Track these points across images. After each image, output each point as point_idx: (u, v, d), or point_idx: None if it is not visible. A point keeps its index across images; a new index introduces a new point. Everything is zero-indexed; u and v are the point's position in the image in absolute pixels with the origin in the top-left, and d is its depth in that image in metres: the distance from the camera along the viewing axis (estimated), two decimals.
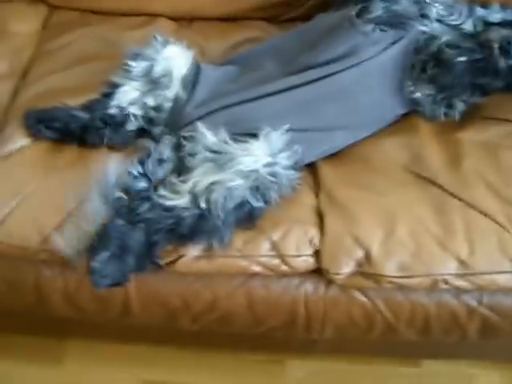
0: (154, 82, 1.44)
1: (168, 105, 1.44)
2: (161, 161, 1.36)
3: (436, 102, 1.48)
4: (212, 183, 1.28)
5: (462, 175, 1.40)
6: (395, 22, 1.46)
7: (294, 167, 1.34)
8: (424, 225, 1.33)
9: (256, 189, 1.28)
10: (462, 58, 1.43)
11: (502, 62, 1.44)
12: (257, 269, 1.34)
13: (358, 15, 1.47)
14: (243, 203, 1.28)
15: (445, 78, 1.44)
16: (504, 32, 1.47)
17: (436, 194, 1.38)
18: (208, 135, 1.32)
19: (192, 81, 1.45)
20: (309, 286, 1.38)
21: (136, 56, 1.44)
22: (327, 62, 1.44)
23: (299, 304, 1.39)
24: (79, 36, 1.71)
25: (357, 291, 1.38)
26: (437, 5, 1.52)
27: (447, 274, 1.32)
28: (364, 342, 1.58)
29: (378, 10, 1.46)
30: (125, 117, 1.45)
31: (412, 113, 1.52)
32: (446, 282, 1.32)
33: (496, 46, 1.44)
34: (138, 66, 1.43)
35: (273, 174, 1.30)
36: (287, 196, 1.35)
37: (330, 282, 1.36)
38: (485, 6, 1.58)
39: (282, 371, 1.73)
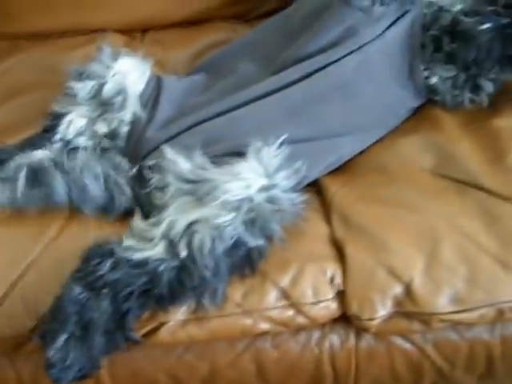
0: (105, 104, 1.13)
1: (125, 129, 1.13)
2: None
3: (458, 87, 1.18)
4: (192, 222, 0.96)
5: (509, 172, 1.09)
6: None
7: (297, 189, 1.01)
8: (475, 241, 1.02)
9: (252, 222, 0.96)
10: (486, 26, 1.13)
11: None
12: (265, 326, 1.02)
13: None
14: (237, 243, 0.95)
15: (468, 53, 1.14)
16: None
17: (481, 199, 1.07)
18: (179, 161, 1.00)
19: (152, 97, 1.15)
20: (334, 339, 1.06)
21: (80, 75, 1.14)
22: (320, 51, 1.15)
23: (324, 363, 1.07)
24: (13, 65, 1.47)
25: (398, 337, 1.05)
26: None
27: None
28: None
29: None
30: (74, 152, 1.12)
31: (429, 103, 1.22)
32: None
33: None
34: (83, 88, 1.13)
35: (272, 201, 0.98)
36: (291, 227, 1.01)
37: (361, 331, 1.03)
38: None
39: None
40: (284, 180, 1.00)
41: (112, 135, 1.13)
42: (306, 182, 1.09)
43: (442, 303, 0.99)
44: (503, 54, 1.14)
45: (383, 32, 1.15)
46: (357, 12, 1.15)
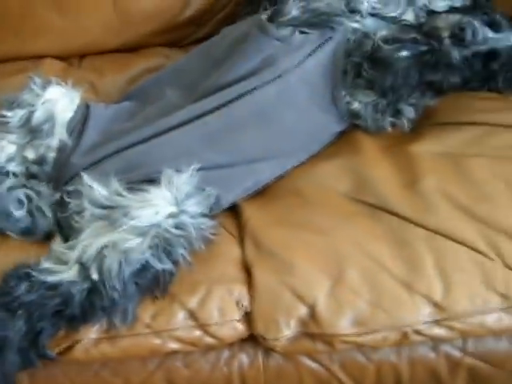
0: (33, 131, 1.17)
1: (52, 155, 1.17)
2: None
3: (379, 111, 1.21)
4: (103, 247, 1.00)
5: (421, 197, 1.12)
6: (318, 21, 1.20)
7: (207, 214, 1.05)
8: (381, 264, 1.05)
9: (158, 247, 1.00)
10: (404, 53, 1.16)
11: (456, 54, 1.18)
12: (174, 346, 1.05)
13: (270, 19, 1.21)
14: (145, 267, 0.99)
15: (385, 79, 1.17)
16: (452, 18, 1.22)
17: (392, 224, 1.10)
18: (96, 187, 1.04)
19: (79, 124, 1.19)
20: (243, 359, 1.09)
21: (11, 104, 1.18)
22: (239, 80, 1.18)
23: (234, 382, 1.10)
24: None
25: (305, 357, 1.08)
26: None
27: (419, 323, 1.03)
28: None
29: (293, 11, 1.20)
30: (2, 177, 1.16)
31: (353, 128, 1.24)
32: (419, 333, 1.04)
33: (446, 34, 1.18)
34: (14, 116, 1.17)
35: (179, 227, 1.01)
36: (202, 251, 1.05)
37: (269, 350, 1.06)
38: None
39: None
40: (193, 206, 1.04)
41: (40, 161, 1.17)
42: (223, 206, 1.12)
43: (344, 325, 1.02)
44: (421, 80, 1.17)
45: (304, 60, 1.18)
46: (275, 41, 1.18)
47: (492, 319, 1.04)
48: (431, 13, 1.32)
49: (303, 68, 1.18)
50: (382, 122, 1.22)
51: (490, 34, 1.23)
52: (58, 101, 1.19)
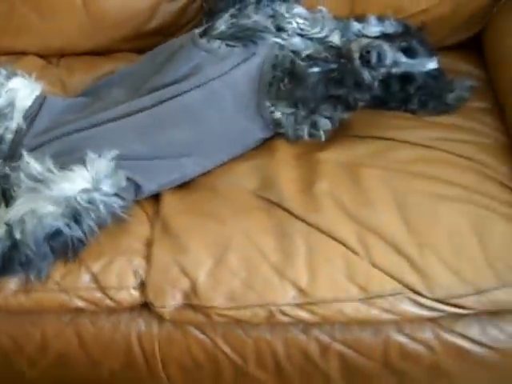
0: None
1: (9, 136, 1.37)
2: None
3: (298, 122, 1.36)
4: (26, 212, 1.20)
5: (312, 198, 1.27)
6: (242, 36, 1.37)
7: (119, 195, 1.23)
8: (260, 251, 1.20)
9: (69, 216, 1.19)
10: (315, 69, 1.32)
11: (366, 74, 1.32)
12: (79, 304, 1.24)
13: (203, 34, 1.39)
14: (58, 232, 1.19)
15: (297, 91, 1.33)
16: (364, 41, 1.36)
17: (281, 218, 1.25)
18: (32, 164, 1.24)
19: (35, 112, 1.39)
20: (141, 323, 1.27)
21: None
22: (169, 84, 1.35)
23: (133, 343, 1.27)
24: None
25: (192, 327, 1.24)
26: (298, 19, 1.42)
27: (284, 304, 1.18)
28: None
29: (222, 26, 1.38)
30: None
31: (277, 136, 1.40)
32: (284, 313, 1.18)
33: (356, 56, 1.32)
34: None
35: (90, 201, 1.20)
36: (113, 226, 1.24)
37: (162, 318, 1.23)
38: (361, 19, 1.48)
39: None
40: (106, 186, 1.23)
41: None
42: (146, 193, 1.31)
43: (219, 300, 1.18)
44: (327, 94, 1.32)
45: (230, 70, 1.34)
46: (203, 52, 1.36)
47: (350, 308, 1.17)
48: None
49: (229, 77, 1.34)
50: (301, 132, 1.36)
51: (404, 58, 1.36)
52: (20, 90, 1.39)
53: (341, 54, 1.35)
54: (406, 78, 1.38)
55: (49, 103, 1.41)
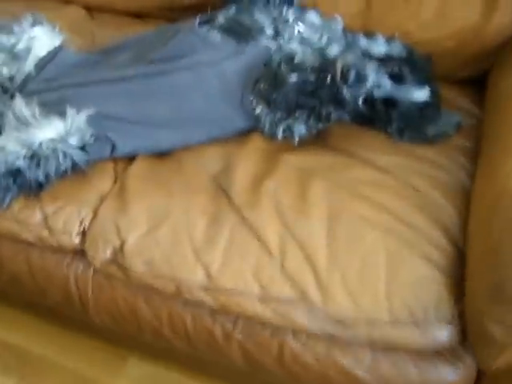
0: (14, 56, 1.53)
1: (20, 77, 1.53)
2: None
3: (275, 122, 1.43)
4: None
5: (256, 194, 1.33)
6: (237, 31, 1.45)
7: (85, 149, 1.37)
8: (189, 231, 1.30)
9: (31, 159, 1.33)
10: (293, 77, 1.38)
11: (344, 91, 1.36)
12: (28, 236, 1.39)
13: (203, 23, 1.48)
14: (21, 171, 1.34)
15: (273, 94, 1.39)
16: (350, 59, 1.39)
17: (221, 206, 1.33)
18: (20, 107, 1.39)
19: (46, 61, 1.53)
20: (79, 266, 1.40)
21: (2, 29, 1.55)
22: (164, 60, 1.46)
23: (71, 282, 1.41)
24: None
25: (118, 281, 1.36)
26: (301, 25, 1.48)
27: (192, 284, 1.27)
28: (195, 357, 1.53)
29: (222, 19, 1.46)
30: None
31: (257, 129, 1.47)
32: (191, 293, 1.28)
33: (338, 71, 1.36)
34: (1, 38, 1.55)
35: (53, 150, 1.34)
36: (82, 177, 1.38)
37: (92, 265, 1.37)
38: (369, 36, 1.51)
39: (123, 367, 1.72)
40: (74, 140, 1.35)
41: (11, 79, 1.54)
42: (119, 153, 1.43)
43: (138, 263, 1.30)
44: (298, 103, 1.38)
45: (221, 61, 1.43)
46: (196, 37, 1.46)
47: (249, 303, 1.25)
48: (370, 56, 1.49)
49: (219, 67, 1.43)
50: (276, 131, 1.43)
51: (388, 83, 1.39)
52: (39, 39, 1.54)
53: (325, 66, 1.39)
54: (389, 102, 1.40)
55: (62, 55, 1.54)
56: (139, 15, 1.82)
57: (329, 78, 1.36)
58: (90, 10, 1.85)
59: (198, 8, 1.71)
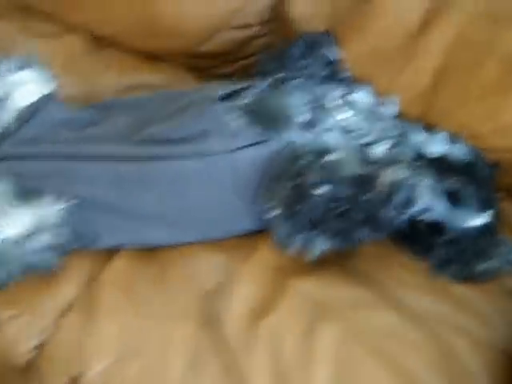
0: None
1: None
2: None
3: (290, 232, 1.15)
4: None
5: (255, 329, 1.08)
6: (262, 117, 1.17)
7: (56, 248, 1.13)
8: (163, 374, 1.07)
9: None
10: (320, 191, 1.09)
11: (386, 214, 1.08)
12: None
13: (226, 97, 1.20)
14: None
15: (294, 205, 1.12)
16: (401, 173, 1.11)
17: (208, 341, 1.08)
18: None
19: (30, 115, 1.27)
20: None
21: None
22: (168, 141, 1.19)
23: None
24: None
25: None
26: (345, 111, 1.20)
27: None
28: None
29: (248, 97, 1.18)
30: None
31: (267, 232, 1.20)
32: None
33: (382, 188, 1.09)
34: None
35: (18, 248, 1.10)
36: (48, 277, 1.16)
37: None
38: (429, 129, 1.23)
39: None
40: (45, 237, 1.11)
41: None
42: (100, 246, 1.19)
43: None
44: (323, 220, 1.10)
45: (237, 150, 1.16)
46: (214, 120, 1.18)
47: None
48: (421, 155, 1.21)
49: (233, 158, 1.16)
50: (290, 244, 1.15)
51: (441, 206, 1.11)
52: (24, 85, 1.27)
53: (366, 178, 1.10)
54: (436, 226, 1.12)
55: (50, 108, 1.28)
56: (151, 56, 1.53)
57: (371, 194, 1.08)
58: (94, 39, 1.56)
59: (225, 56, 1.43)
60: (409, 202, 1.08)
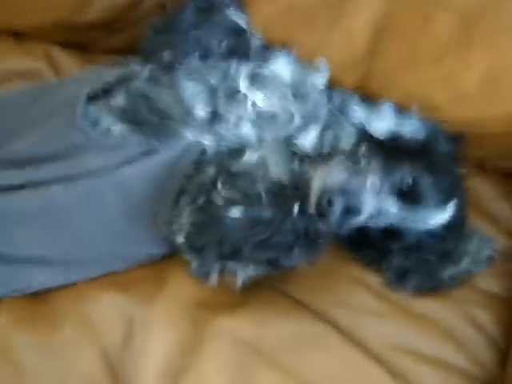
0: None
1: None
2: None
3: (204, 264, 0.91)
4: None
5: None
6: (144, 122, 0.89)
7: None
8: None
9: None
10: (234, 214, 0.84)
11: (323, 227, 0.83)
12: None
13: (95, 97, 0.91)
14: None
15: (204, 234, 0.87)
16: (338, 175, 0.86)
17: None
18: None
19: None
20: None
21: None
22: (33, 160, 0.92)
23: None
24: None
25: None
26: (257, 92, 0.91)
27: None
28: None
29: (121, 98, 0.91)
30: None
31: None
32: None
33: (312, 200, 0.84)
34: None
35: None
36: None
37: None
38: (369, 101, 0.98)
39: None
40: None
41: None
42: None
43: None
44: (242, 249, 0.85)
45: (120, 166, 0.90)
46: (87, 129, 0.90)
47: None
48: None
49: (117, 176, 0.90)
50: (207, 273, 0.91)
51: (395, 207, 0.87)
52: None
53: (286, 191, 0.85)
54: (390, 230, 0.89)
55: None
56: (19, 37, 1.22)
57: (296, 210, 0.83)
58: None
59: (109, 26, 1.15)
60: (351, 212, 0.84)
